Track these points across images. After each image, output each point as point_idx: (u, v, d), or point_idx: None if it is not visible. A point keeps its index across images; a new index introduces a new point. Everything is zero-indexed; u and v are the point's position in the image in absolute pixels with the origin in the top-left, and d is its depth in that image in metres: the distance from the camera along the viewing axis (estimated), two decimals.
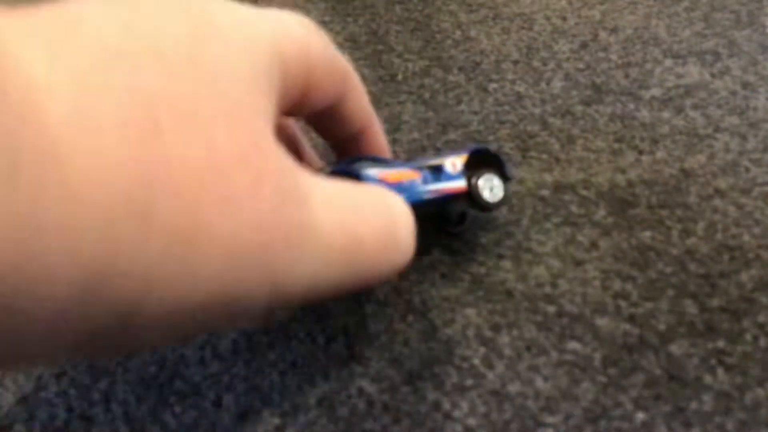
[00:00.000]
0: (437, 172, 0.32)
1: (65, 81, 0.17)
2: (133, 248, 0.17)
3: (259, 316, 0.21)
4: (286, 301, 0.21)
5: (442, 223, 0.35)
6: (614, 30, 0.52)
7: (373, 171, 0.31)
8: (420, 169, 0.32)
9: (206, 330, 0.28)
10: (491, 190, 0.33)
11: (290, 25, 0.25)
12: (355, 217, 0.24)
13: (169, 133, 0.18)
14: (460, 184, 0.32)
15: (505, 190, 0.33)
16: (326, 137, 0.33)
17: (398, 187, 0.31)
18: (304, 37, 0.25)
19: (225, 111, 0.20)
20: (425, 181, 0.31)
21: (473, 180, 0.32)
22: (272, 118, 0.22)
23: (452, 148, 0.42)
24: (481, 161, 0.33)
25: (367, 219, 0.24)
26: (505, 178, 0.34)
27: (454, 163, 0.32)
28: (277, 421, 0.28)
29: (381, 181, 0.31)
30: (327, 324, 0.31)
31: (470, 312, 0.32)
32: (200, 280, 0.18)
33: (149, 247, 0.17)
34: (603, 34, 0.52)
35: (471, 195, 0.32)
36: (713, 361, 0.29)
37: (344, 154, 0.33)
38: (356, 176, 0.31)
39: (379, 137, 0.33)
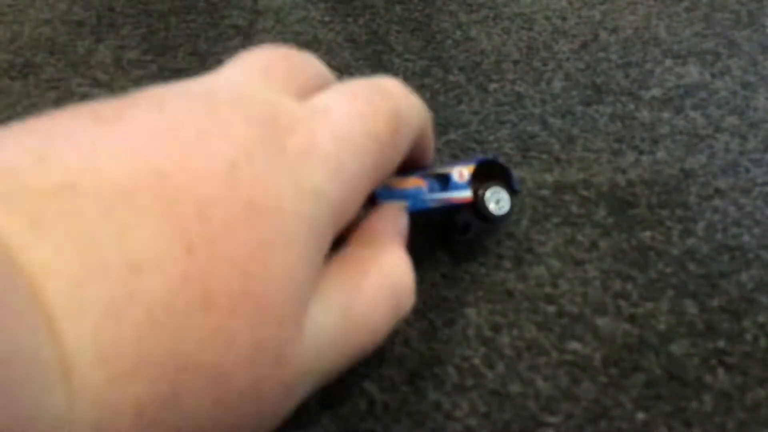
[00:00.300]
0: (444, 181, 0.32)
1: (65, 258, 0.15)
2: None
3: None
4: None
5: (448, 231, 0.35)
6: (614, 30, 0.52)
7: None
8: (426, 177, 0.32)
9: None
10: (497, 202, 0.32)
11: (359, 158, 0.23)
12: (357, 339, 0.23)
13: (189, 396, 0.17)
14: (466, 194, 0.32)
15: (511, 204, 0.33)
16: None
17: (403, 194, 0.31)
18: (372, 162, 0.24)
19: (255, 349, 0.18)
20: (431, 190, 0.31)
21: (480, 191, 0.32)
22: (310, 296, 0.21)
23: (454, 152, 0.42)
24: (489, 172, 0.33)
25: (371, 328, 0.24)
26: (512, 191, 0.33)
27: (462, 172, 0.32)
28: None
29: (386, 187, 0.30)
30: None
31: (470, 312, 0.32)
32: None
33: None
34: (603, 34, 0.52)
35: (476, 206, 0.32)
36: (713, 361, 0.29)
37: None
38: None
39: (428, 160, 0.33)
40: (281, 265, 0.19)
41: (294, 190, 0.20)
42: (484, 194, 0.32)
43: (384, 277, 0.25)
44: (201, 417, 0.17)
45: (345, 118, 0.24)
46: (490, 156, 0.36)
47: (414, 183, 0.31)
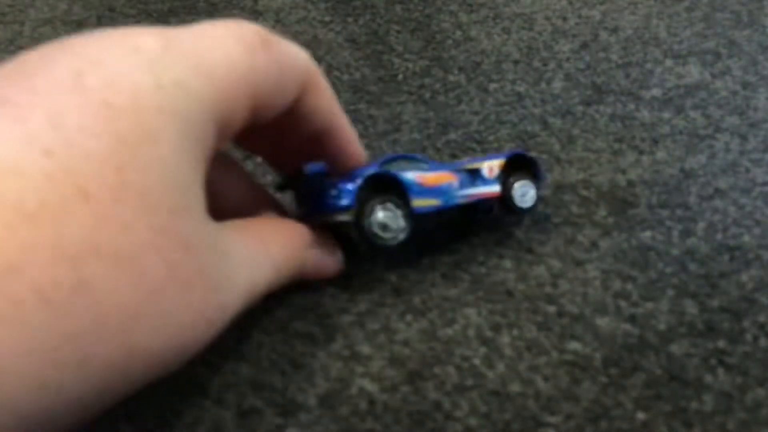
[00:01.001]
0: (474, 175, 0.33)
1: None
2: (73, 387, 0.18)
3: None
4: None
5: (470, 211, 0.36)
6: (615, 30, 0.52)
7: (410, 174, 0.31)
8: (457, 171, 0.33)
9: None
10: (524, 196, 0.34)
11: (227, 59, 0.24)
12: (269, 274, 0.26)
13: (98, 280, 0.18)
14: (495, 189, 0.33)
15: (537, 195, 0.34)
16: (284, 144, 0.31)
17: (436, 191, 0.31)
18: (244, 65, 0.24)
19: (153, 232, 0.20)
20: (462, 185, 0.32)
21: (508, 185, 0.33)
22: (202, 192, 0.22)
23: (454, 152, 0.42)
24: (517, 164, 0.34)
25: (279, 266, 0.28)
26: (538, 182, 0.34)
27: (492, 167, 0.33)
28: (278, 420, 0.28)
29: (419, 185, 0.31)
30: (327, 324, 0.31)
31: (470, 312, 0.32)
32: (135, 380, 0.21)
33: (88, 386, 0.19)
34: (603, 35, 0.52)
35: (505, 200, 0.34)
36: (714, 361, 0.29)
37: (307, 159, 0.30)
38: (394, 180, 0.30)
39: (347, 140, 0.31)
40: (154, 158, 0.20)
41: (153, 87, 0.21)
42: (511, 189, 0.33)
43: (293, 241, 0.29)
44: (124, 302, 0.19)
45: (207, 24, 0.25)
46: (518, 150, 0.36)
47: (446, 178, 0.32)
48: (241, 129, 0.26)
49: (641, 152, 0.41)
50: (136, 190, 0.19)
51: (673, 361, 0.30)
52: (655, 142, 0.42)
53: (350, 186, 0.29)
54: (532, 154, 0.36)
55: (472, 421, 0.28)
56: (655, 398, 0.28)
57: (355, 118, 0.44)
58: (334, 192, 0.29)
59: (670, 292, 0.32)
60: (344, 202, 0.29)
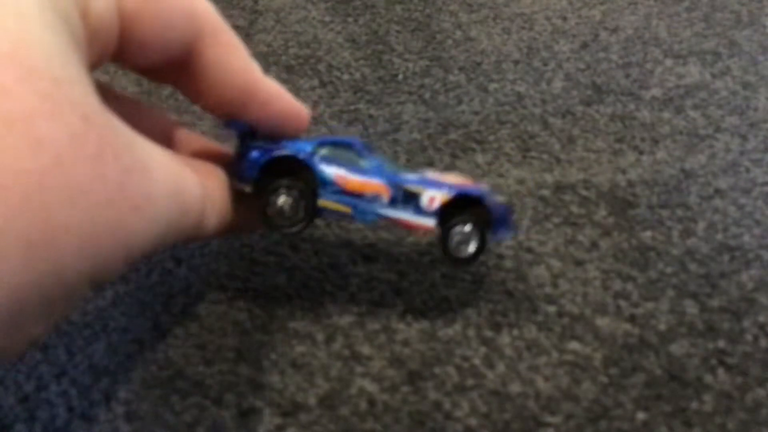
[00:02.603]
0: (411, 199, 0.29)
1: None
2: None
3: (116, 275, 0.22)
4: (137, 261, 0.23)
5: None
6: (615, 30, 0.52)
7: (332, 170, 0.28)
8: (394, 186, 0.28)
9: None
10: (461, 243, 0.29)
11: None
12: (182, 184, 0.24)
13: None
14: (427, 223, 0.29)
15: (480, 247, 0.29)
16: (208, 103, 0.28)
17: (353, 200, 0.28)
18: None
19: (40, 97, 0.19)
20: (392, 203, 0.28)
21: (448, 226, 0.29)
22: (90, 82, 0.21)
23: (454, 152, 0.42)
24: (467, 205, 0.29)
25: (209, 192, 0.26)
26: (491, 230, 0.29)
27: (433, 198, 0.28)
28: (278, 420, 0.28)
29: (335, 185, 0.28)
30: (327, 324, 0.31)
31: (470, 312, 0.32)
32: (64, 268, 0.19)
33: (11, 263, 0.18)
34: (603, 35, 0.52)
35: (442, 241, 0.29)
36: (714, 361, 0.29)
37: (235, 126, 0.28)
38: (308, 169, 0.28)
39: (271, 103, 0.28)
40: (17, 28, 0.19)
41: None
42: (449, 231, 0.29)
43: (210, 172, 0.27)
44: (26, 169, 0.18)
45: None
46: (474, 189, 0.29)
47: (373, 188, 0.28)
48: (116, 46, 0.24)
49: (641, 152, 0.41)
50: (10, 57, 0.19)
51: (674, 361, 0.30)
52: (655, 142, 0.41)
53: (259, 158, 0.27)
54: (498, 199, 0.30)
55: (472, 421, 0.28)
56: (655, 398, 0.28)
57: (355, 118, 0.44)
58: (248, 158, 0.28)
59: (670, 292, 0.32)
60: (249, 173, 0.28)
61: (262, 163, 0.27)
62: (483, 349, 0.30)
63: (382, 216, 0.28)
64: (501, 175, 0.39)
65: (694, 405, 0.28)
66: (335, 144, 0.29)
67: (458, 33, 0.53)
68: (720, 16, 0.53)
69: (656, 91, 0.46)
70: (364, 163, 0.29)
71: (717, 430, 0.27)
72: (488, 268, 0.34)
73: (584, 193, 0.38)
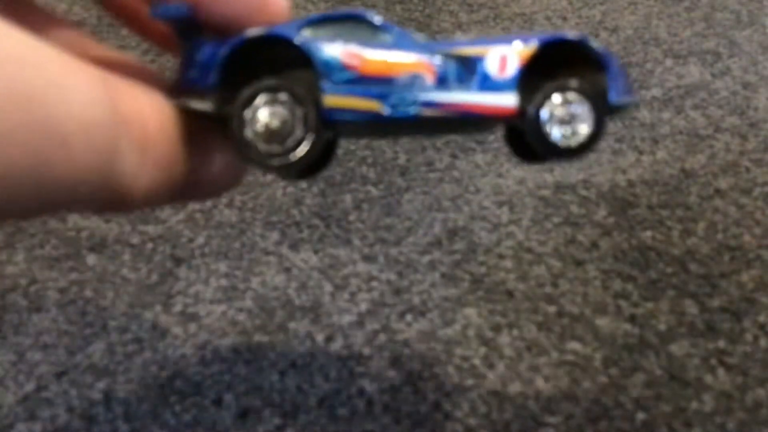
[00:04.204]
0: (468, 68, 0.18)
1: None
2: None
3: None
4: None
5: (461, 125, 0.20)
6: (615, 30, 0.52)
7: (335, 48, 0.18)
8: (440, 57, 0.18)
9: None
10: (565, 123, 0.18)
11: None
12: (67, 89, 0.16)
13: None
14: (503, 99, 0.18)
15: (597, 125, 0.18)
16: None
17: (379, 86, 0.18)
18: None
19: None
20: (441, 83, 0.18)
21: (536, 99, 0.18)
22: None
23: (454, 152, 0.42)
24: (560, 60, 0.19)
25: (127, 122, 0.17)
26: (602, 102, 0.18)
27: (506, 57, 0.18)
28: (277, 420, 0.28)
29: (345, 69, 0.18)
30: (327, 324, 0.31)
31: (470, 312, 0.32)
32: (14, 166, 0.15)
33: None
34: (603, 34, 0.52)
35: (526, 127, 0.18)
36: (714, 361, 0.29)
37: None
38: (297, 52, 0.18)
39: None
40: None
41: None
42: (540, 106, 0.18)
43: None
44: None
45: None
46: (562, 33, 0.18)
47: (413, 67, 0.18)
48: None
49: (641, 152, 0.41)
50: None
51: (674, 361, 0.30)
52: (655, 142, 0.41)
53: (218, 51, 0.17)
54: (588, 39, 0.18)
55: (472, 422, 0.28)
56: (655, 398, 0.28)
57: None
58: (199, 55, 0.18)
59: (671, 292, 0.32)
60: (204, 78, 0.18)
61: (224, 57, 0.17)
62: (483, 349, 0.30)
63: (431, 104, 0.18)
64: (501, 175, 0.39)
65: (694, 405, 0.28)
66: (335, 19, 0.19)
67: (458, 32, 0.53)
68: (720, 16, 0.53)
69: (656, 91, 0.46)
70: (385, 36, 0.19)
71: (717, 430, 0.27)
72: (488, 268, 0.34)
73: (584, 193, 0.38)
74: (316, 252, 0.35)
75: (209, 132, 0.19)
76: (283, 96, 0.18)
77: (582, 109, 0.18)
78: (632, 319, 0.31)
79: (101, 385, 0.30)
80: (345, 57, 0.18)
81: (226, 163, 0.19)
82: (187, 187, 0.18)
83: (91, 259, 0.35)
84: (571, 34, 0.18)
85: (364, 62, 0.18)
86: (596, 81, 0.18)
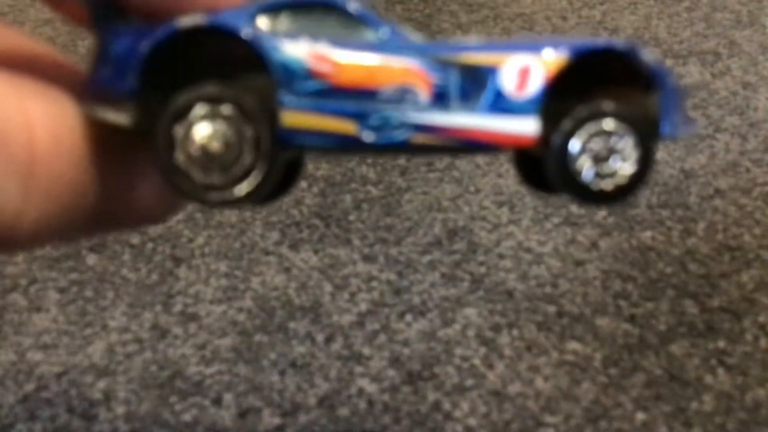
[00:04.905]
0: (477, 81, 0.14)
1: None
2: None
3: None
4: None
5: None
6: (615, 30, 0.52)
7: (300, 47, 0.14)
8: (438, 63, 0.14)
9: None
10: (601, 158, 0.14)
11: None
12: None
13: None
14: (524, 127, 0.14)
15: (643, 163, 0.14)
16: None
17: (360, 104, 0.14)
18: None
19: None
20: (439, 100, 0.14)
21: (562, 127, 0.14)
22: None
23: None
24: (593, 75, 0.14)
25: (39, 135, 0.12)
26: (651, 134, 0.14)
27: (527, 70, 0.14)
28: (277, 420, 0.28)
29: (310, 77, 0.14)
30: (327, 324, 0.31)
31: (470, 312, 0.32)
32: None
33: None
34: (603, 35, 0.52)
35: (549, 160, 0.14)
36: (714, 361, 0.29)
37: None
38: (249, 46, 0.13)
39: None
40: None
41: None
42: (569, 139, 0.14)
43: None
44: None
45: None
46: (600, 40, 0.15)
47: (403, 76, 0.14)
48: None
49: None
50: None
51: (674, 361, 0.30)
52: None
53: (140, 44, 0.13)
54: (635, 48, 0.14)
55: (472, 422, 0.28)
56: (655, 398, 0.28)
57: None
58: (116, 48, 0.14)
59: (671, 292, 0.32)
60: (120, 81, 0.14)
61: (146, 53, 0.13)
62: (483, 349, 0.30)
63: (425, 128, 0.14)
64: (501, 176, 0.39)
65: (694, 405, 0.28)
66: (300, 6, 0.15)
67: (458, 33, 0.53)
68: (720, 16, 0.53)
69: None
70: (368, 33, 0.15)
71: (717, 430, 0.27)
72: (488, 268, 0.34)
73: None
74: (316, 252, 0.35)
75: (135, 147, 0.14)
76: (226, 109, 0.13)
77: (624, 143, 0.14)
78: (632, 319, 0.31)
79: (101, 385, 0.30)
80: (312, 60, 0.14)
81: (159, 187, 0.14)
82: (105, 217, 0.14)
83: (91, 259, 0.35)
84: (616, 41, 0.14)
85: (337, 68, 0.14)
86: (644, 105, 0.14)
